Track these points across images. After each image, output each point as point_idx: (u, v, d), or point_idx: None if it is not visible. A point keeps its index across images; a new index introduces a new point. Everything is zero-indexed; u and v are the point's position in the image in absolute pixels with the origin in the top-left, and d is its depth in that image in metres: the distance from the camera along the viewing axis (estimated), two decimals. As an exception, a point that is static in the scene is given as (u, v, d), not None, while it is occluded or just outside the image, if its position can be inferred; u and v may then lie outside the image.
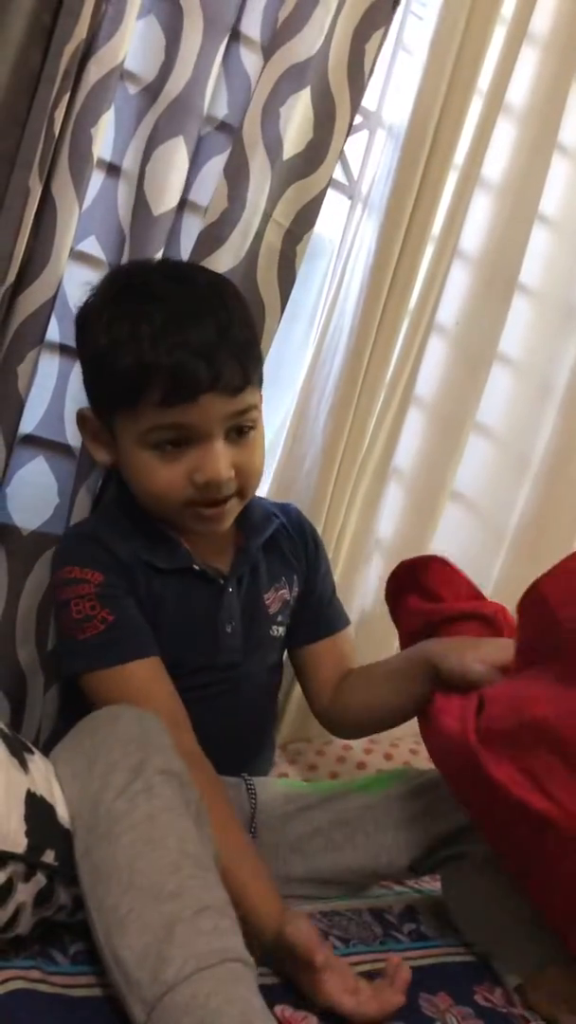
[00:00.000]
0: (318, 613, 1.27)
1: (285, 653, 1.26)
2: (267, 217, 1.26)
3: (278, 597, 1.22)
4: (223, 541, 1.17)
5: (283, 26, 1.22)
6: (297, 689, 1.37)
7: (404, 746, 1.52)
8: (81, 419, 1.11)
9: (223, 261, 1.23)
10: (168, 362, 0.98)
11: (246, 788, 1.15)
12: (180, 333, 0.99)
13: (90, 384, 1.08)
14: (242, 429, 1.06)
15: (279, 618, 1.22)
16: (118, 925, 0.72)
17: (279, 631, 1.22)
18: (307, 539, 1.27)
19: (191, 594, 1.12)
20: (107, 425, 1.06)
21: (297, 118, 1.25)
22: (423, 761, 1.42)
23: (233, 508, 1.10)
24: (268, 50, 1.23)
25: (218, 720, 1.09)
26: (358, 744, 1.51)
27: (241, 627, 1.15)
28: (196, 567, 1.12)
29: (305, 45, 1.23)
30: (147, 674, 1.03)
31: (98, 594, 1.04)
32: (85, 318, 1.06)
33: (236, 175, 1.22)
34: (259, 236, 1.26)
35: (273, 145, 1.24)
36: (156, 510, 1.08)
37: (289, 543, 1.24)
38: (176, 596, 1.11)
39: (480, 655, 1.00)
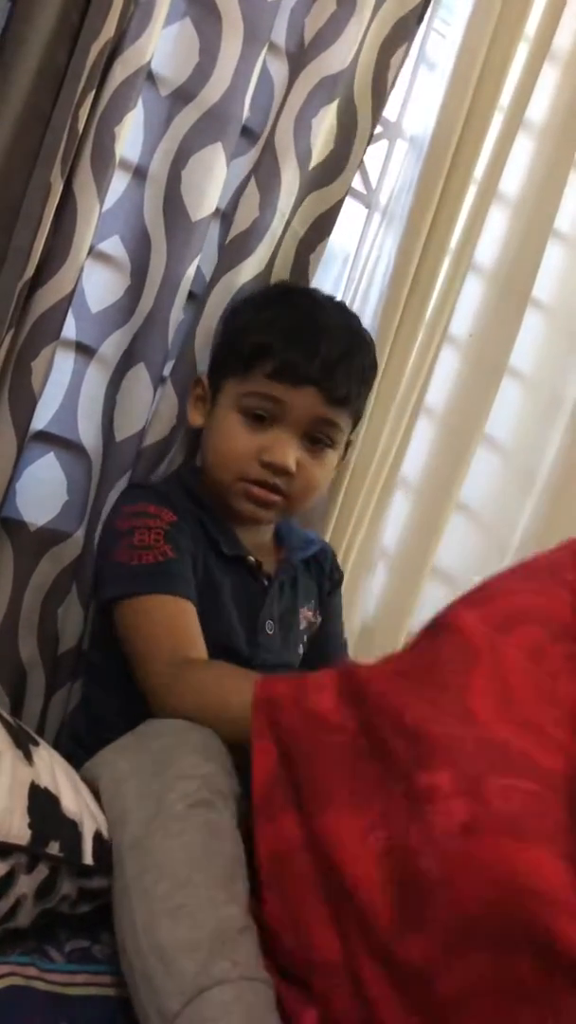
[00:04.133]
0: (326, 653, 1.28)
1: None
2: (287, 225, 1.27)
3: (307, 616, 1.24)
4: (268, 550, 1.22)
5: (317, 37, 1.23)
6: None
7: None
8: (195, 382, 1.20)
9: (246, 271, 1.24)
10: (289, 346, 1.09)
11: None
12: (312, 331, 1.11)
13: (216, 353, 1.19)
14: (320, 440, 1.13)
15: (304, 637, 1.24)
16: (168, 914, 0.72)
17: (301, 651, 1.24)
18: (332, 574, 1.31)
19: (242, 584, 1.15)
20: (214, 390, 1.16)
21: (324, 129, 1.26)
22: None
23: (277, 508, 1.15)
24: (298, 59, 1.24)
25: None
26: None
27: (278, 632, 1.17)
28: (251, 559, 1.16)
29: (338, 58, 1.24)
30: (190, 616, 1.04)
31: (166, 532, 1.07)
32: (236, 307, 1.19)
33: (268, 185, 1.23)
34: (278, 244, 1.27)
35: (303, 155, 1.25)
36: (216, 475, 1.14)
37: (318, 571, 1.29)
38: (230, 582, 1.14)
39: None
